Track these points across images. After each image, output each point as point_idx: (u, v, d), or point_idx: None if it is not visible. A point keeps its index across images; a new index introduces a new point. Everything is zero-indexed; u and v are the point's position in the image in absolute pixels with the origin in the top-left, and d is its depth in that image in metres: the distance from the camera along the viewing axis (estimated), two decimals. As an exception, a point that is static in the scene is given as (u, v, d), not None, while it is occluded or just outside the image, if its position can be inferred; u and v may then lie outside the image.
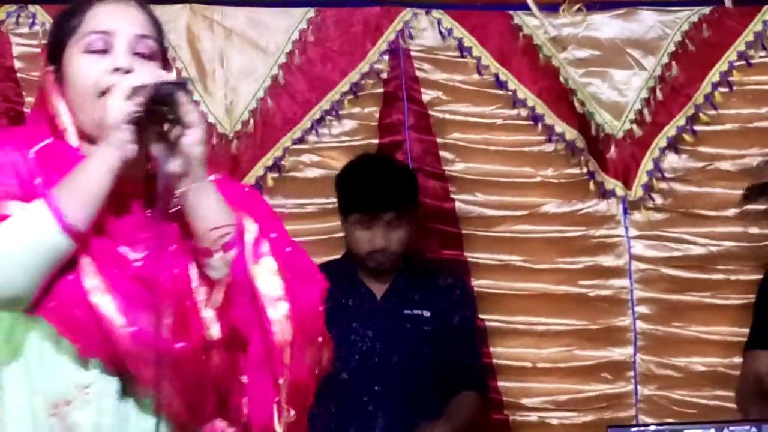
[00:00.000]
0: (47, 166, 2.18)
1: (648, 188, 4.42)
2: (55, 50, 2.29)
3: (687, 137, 4.44)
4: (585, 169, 4.43)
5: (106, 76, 2.21)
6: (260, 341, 2.14)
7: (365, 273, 4.07)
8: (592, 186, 4.44)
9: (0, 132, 2.30)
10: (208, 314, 2.16)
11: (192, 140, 2.13)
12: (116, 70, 2.20)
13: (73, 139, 2.23)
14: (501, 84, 4.45)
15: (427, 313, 4.03)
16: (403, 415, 3.93)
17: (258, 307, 2.13)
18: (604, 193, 4.44)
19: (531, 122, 4.46)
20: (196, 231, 2.16)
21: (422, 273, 4.13)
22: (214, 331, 2.16)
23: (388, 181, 4.03)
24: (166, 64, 2.31)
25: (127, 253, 2.17)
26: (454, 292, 4.13)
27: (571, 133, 4.40)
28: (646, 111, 4.43)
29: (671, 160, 4.45)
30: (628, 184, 4.41)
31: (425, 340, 4.01)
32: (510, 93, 4.45)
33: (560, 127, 4.41)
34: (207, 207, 2.16)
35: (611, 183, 4.42)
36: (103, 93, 2.19)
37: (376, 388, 3.96)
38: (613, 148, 4.43)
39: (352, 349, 3.96)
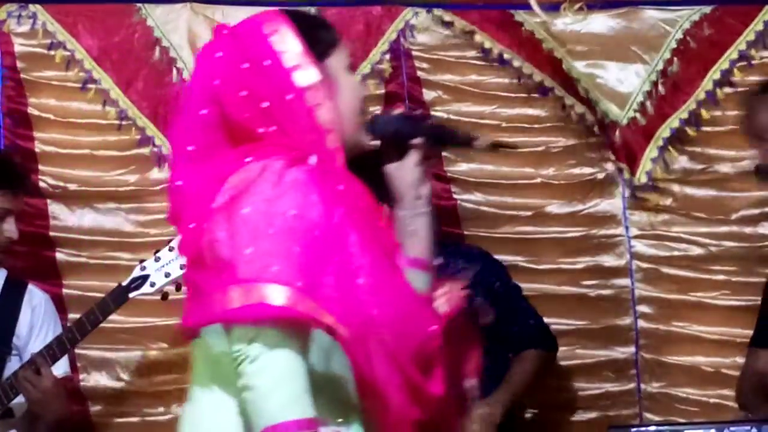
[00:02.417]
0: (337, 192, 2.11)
1: (651, 177, 4.42)
2: (316, 54, 2.18)
3: (690, 132, 4.43)
4: (596, 154, 4.45)
5: None
6: None
7: None
8: (593, 154, 4.43)
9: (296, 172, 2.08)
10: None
11: None
12: None
13: (341, 158, 2.15)
14: (504, 63, 4.44)
15: None
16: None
17: None
18: (605, 184, 4.45)
19: (532, 123, 4.47)
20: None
21: None
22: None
23: None
24: None
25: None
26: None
27: (580, 107, 4.40)
28: (648, 103, 4.43)
29: (673, 161, 4.46)
30: (632, 171, 4.41)
31: None
32: (512, 93, 4.47)
33: (570, 99, 4.42)
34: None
35: (619, 164, 4.41)
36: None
37: None
38: (617, 135, 4.43)
39: None
